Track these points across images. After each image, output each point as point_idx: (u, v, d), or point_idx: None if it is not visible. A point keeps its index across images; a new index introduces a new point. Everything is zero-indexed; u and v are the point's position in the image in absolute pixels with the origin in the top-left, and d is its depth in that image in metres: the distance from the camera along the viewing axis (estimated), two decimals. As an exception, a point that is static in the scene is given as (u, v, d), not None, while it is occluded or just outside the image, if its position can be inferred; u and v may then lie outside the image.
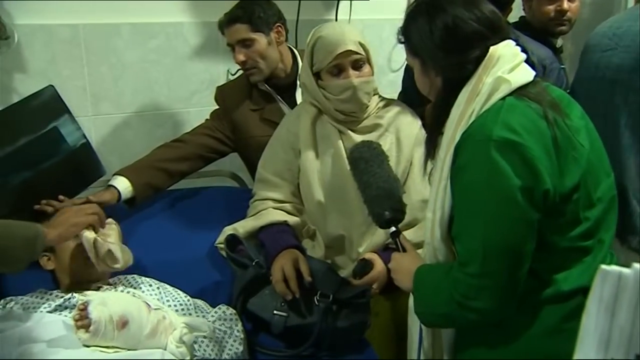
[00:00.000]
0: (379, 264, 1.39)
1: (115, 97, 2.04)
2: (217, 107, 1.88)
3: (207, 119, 1.88)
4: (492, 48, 1.03)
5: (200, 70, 2.15)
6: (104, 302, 1.16)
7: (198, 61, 2.14)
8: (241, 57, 1.75)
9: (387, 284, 1.38)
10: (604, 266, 0.68)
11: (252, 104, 1.83)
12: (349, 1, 2.24)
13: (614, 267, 0.68)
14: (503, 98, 1.00)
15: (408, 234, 1.39)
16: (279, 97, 1.83)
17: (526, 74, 1.04)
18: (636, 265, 0.67)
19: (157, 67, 2.08)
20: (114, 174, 1.67)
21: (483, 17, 1.03)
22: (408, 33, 1.10)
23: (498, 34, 1.05)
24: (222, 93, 1.87)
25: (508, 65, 1.02)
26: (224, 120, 1.83)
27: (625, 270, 0.67)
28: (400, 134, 1.55)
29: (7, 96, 1.86)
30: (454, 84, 1.05)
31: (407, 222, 1.43)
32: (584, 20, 2.48)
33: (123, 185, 1.63)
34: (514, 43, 1.07)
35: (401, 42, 1.13)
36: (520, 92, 1.01)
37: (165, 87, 2.12)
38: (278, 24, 1.79)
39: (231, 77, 2.00)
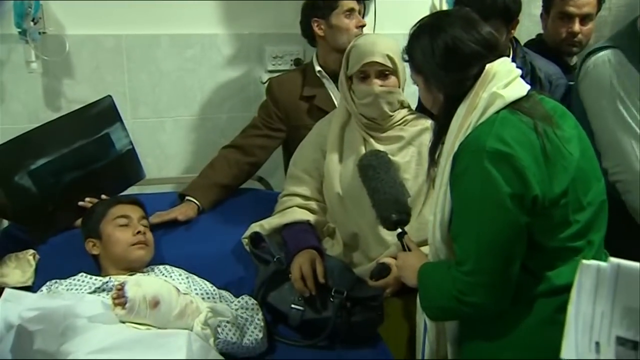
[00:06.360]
0: (395, 270, 1.45)
1: (152, 103, 2.18)
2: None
3: (255, 117, 1.96)
4: (488, 65, 1.12)
5: (232, 79, 2.27)
6: (138, 284, 1.28)
7: (230, 70, 2.27)
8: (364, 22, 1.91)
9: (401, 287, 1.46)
10: (584, 261, 0.77)
11: (305, 93, 1.92)
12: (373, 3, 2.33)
13: (593, 262, 0.77)
14: (497, 112, 1.09)
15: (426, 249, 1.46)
16: (334, 85, 1.90)
17: (520, 89, 1.13)
18: (612, 259, 0.75)
19: (192, 76, 2.22)
20: (182, 195, 1.82)
21: (480, 37, 1.14)
22: (412, 52, 1.20)
23: (494, 52, 1.15)
24: (276, 83, 1.95)
25: (503, 81, 1.11)
26: (274, 111, 1.91)
27: (602, 264, 0.76)
28: (423, 149, 1.59)
29: (57, 100, 2.02)
30: (454, 98, 1.15)
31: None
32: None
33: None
34: (509, 60, 1.16)
35: (406, 61, 1.24)
36: (514, 106, 1.09)
37: (199, 94, 2.25)
38: None
39: (260, 85, 2.11)
